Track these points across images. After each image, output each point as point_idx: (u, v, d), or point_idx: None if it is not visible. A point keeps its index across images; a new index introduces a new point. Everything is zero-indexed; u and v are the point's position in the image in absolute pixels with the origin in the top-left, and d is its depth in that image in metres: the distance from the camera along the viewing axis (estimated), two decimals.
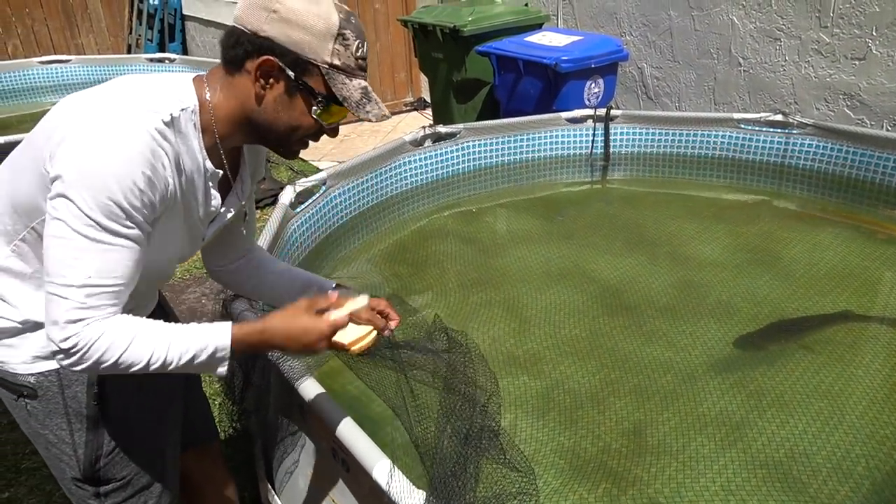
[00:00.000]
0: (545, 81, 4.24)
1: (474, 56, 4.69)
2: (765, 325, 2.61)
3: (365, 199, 3.51)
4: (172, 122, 1.13)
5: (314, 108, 1.21)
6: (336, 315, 1.24)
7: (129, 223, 1.08)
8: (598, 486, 1.96)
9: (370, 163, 3.47)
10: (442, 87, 5.10)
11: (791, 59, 4.16)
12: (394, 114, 6.88)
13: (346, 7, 1.22)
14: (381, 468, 1.33)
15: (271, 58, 1.16)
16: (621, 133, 4.07)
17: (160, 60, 6.59)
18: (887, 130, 3.81)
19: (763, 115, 3.85)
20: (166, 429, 1.49)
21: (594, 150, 4.09)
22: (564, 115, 4.03)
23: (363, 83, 1.23)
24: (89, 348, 1.08)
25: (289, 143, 1.27)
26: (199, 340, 1.16)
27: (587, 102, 4.33)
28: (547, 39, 4.44)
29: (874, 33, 3.77)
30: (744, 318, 2.66)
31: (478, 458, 1.27)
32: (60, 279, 1.06)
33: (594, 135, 4.06)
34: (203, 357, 1.16)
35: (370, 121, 1.23)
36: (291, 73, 1.17)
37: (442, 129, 3.78)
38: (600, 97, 4.42)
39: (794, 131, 3.79)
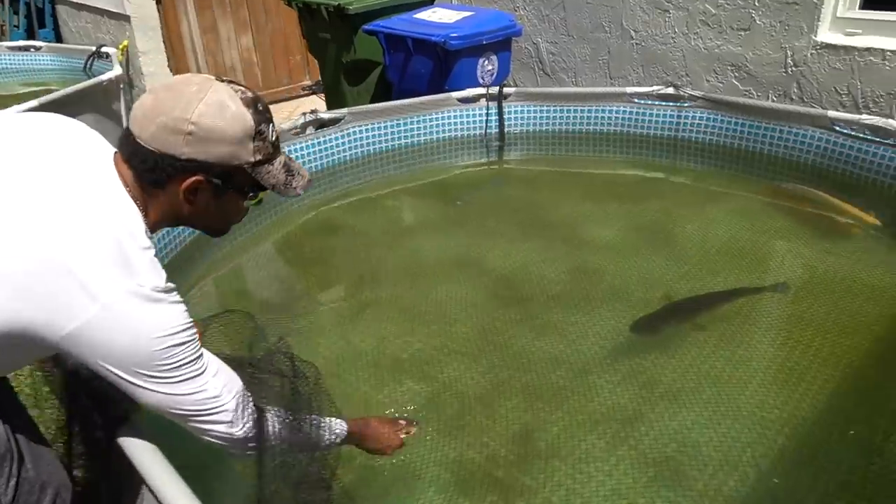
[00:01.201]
0: (435, 60, 4.05)
1: (363, 35, 4.44)
2: (659, 308, 2.54)
3: None
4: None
5: (245, 201, 1.25)
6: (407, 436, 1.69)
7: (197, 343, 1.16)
8: (484, 499, 1.83)
9: None
10: (332, 69, 4.83)
11: (680, 30, 4.13)
12: (290, 98, 6.55)
13: (242, 86, 1.20)
14: None
15: (199, 178, 1.16)
16: (515, 111, 3.95)
17: (24, 49, 5.99)
18: (772, 101, 3.83)
19: (655, 88, 3.81)
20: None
21: (488, 131, 3.95)
22: (455, 94, 3.86)
23: (282, 159, 1.26)
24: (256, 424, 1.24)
25: (224, 230, 1.34)
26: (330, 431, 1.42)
27: (481, 80, 4.17)
28: (437, 16, 4.24)
29: (757, 3, 3.76)
30: (636, 304, 2.58)
31: None
32: (206, 409, 1.16)
33: (488, 114, 3.92)
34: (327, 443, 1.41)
35: (298, 195, 1.29)
36: (219, 181, 1.18)
37: (324, 114, 3.55)
38: (495, 75, 4.27)
39: (686, 104, 3.76)
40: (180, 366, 1.11)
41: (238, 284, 2.97)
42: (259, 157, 1.19)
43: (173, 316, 1.11)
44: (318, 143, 3.55)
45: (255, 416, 1.23)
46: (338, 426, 1.44)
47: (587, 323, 2.50)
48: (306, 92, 6.70)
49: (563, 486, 1.85)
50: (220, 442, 1.22)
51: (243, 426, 1.21)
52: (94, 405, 1.54)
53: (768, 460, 1.89)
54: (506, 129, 3.94)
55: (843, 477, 1.84)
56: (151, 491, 1.24)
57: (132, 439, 1.33)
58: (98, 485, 1.91)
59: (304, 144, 3.49)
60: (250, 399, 1.25)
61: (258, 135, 1.18)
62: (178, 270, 2.85)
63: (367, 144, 3.74)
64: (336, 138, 3.61)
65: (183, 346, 1.11)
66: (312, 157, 3.56)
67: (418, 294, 2.77)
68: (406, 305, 2.70)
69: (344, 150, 3.67)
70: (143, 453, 1.29)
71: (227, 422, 1.19)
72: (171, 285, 1.13)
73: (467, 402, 2.18)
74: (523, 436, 2.03)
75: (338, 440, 1.44)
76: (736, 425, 2.01)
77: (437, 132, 3.90)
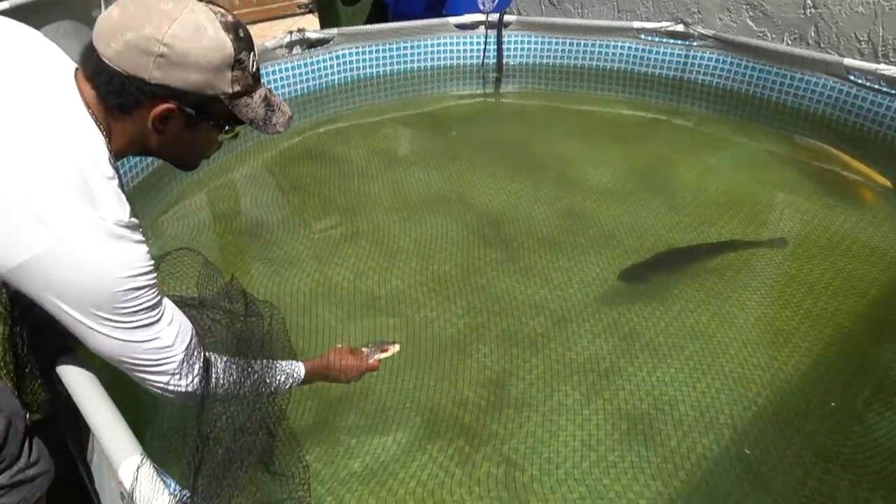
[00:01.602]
0: None
1: None
2: (651, 256, 2.45)
3: None
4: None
5: (220, 134, 1.15)
6: (376, 357, 1.58)
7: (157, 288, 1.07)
8: (452, 444, 1.79)
9: None
10: None
11: None
12: (286, 16, 6.26)
13: (222, 8, 1.07)
14: (128, 466, 1.06)
15: (171, 105, 1.05)
16: (515, 42, 3.76)
17: None
18: (787, 45, 3.64)
19: (664, 24, 3.61)
20: None
21: (486, 60, 3.76)
22: (453, 20, 3.66)
23: (263, 91, 1.15)
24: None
25: (195, 164, 1.23)
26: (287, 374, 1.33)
27: (482, 7, 3.94)
28: None
29: None
30: (625, 251, 2.49)
31: (246, 457, 1.03)
32: (156, 359, 1.08)
33: (486, 43, 3.72)
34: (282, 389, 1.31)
35: (279, 133, 1.19)
36: (192, 111, 1.08)
37: (312, 34, 3.35)
38: (497, 1, 4.04)
39: (695, 43, 3.57)
40: (138, 311, 1.03)
41: (213, 210, 2.85)
42: (237, 89, 1.09)
43: (136, 256, 1.02)
44: (305, 65, 3.37)
45: (204, 368, 1.15)
46: (294, 369, 1.36)
47: (572, 269, 2.42)
48: (302, 10, 6.41)
49: (532, 435, 1.81)
50: (162, 392, 1.14)
51: (190, 379, 1.13)
52: (36, 331, 1.46)
53: (745, 422, 1.84)
54: (504, 60, 3.76)
55: (820, 443, 1.79)
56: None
57: (70, 367, 1.26)
58: (54, 412, 1.86)
59: (289, 65, 3.31)
60: (201, 349, 1.17)
61: (237, 64, 1.06)
62: (148, 195, 2.74)
63: (357, 69, 3.56)
64: (324, 60, 3.42)
65: (143, 291, 1.03)
66: (298, 78, 3.39)
67: (400, 229, 2.68)
68: (386, 240, 2.61)
69: (332, 74, 3.50)
70: (78, 381, 1.22)
71: (174, 373, 1.11)
72: (136, 221, 1.04)
73: (442, 344, 2.11)
74: (497, 382, 1.97)
75: (295, 384, 1.37)
76: (716, 384, 1.95)
77: (432, 59, 3.71)
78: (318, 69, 3.43)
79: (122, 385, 1.27)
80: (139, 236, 1.04)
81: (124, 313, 1.02)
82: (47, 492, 1.31)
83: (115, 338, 1.04)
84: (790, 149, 3.20)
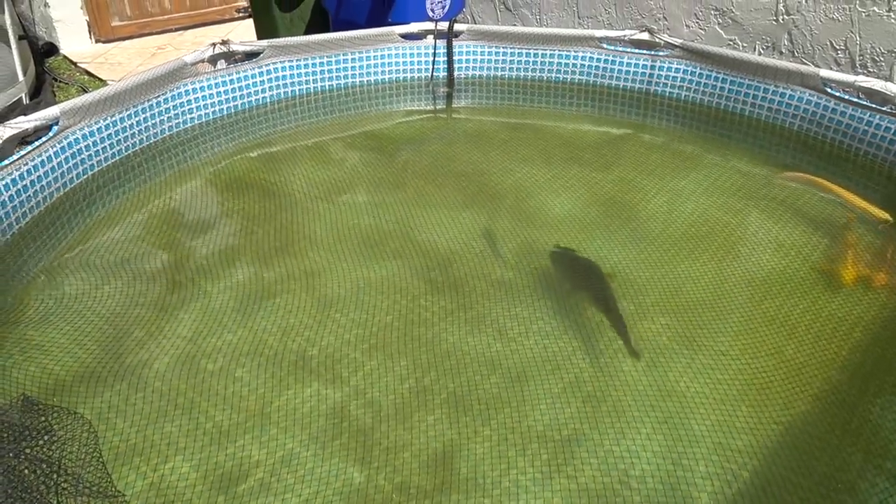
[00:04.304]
0: None
1: None
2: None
3: (128, 143, 2.88)
4: None
5: None
6: None
7: None
8: None
9: (134, 92, 2.82)
10: None
11: None
12: (222, 22, 6.03)
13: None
14: None
15: None
16: (467, 52, 3.62)
17: None
18: (758, 54, 3.58)
19: (627, 32, 3.51)
20: None
21: (435, 74, 3.62)
22: (398, 29, 3.51)
23: None
24: None
25: None
26: None
27: (431, 14, 3.81)
28: None
29: None
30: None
31: None
32: None
33: (435, 54, 3.58)
34: None
35: None
36: None
37: (239, 46, 3.17)
38: (447, 8, 3.90)
39: (661, 53, 3.48)
40: None
41: (121, 253, 2.63)
42: None
43: None
44: (230, 81, 3.18)
45: None
46: None
47: (530, 318, 2.28)
48: (241, 15, 6.18)
49: None
50: None
51: None
52: None
53: (727, 500, 1.72)
54: (455, 73, 3.62)
55: None
56: None
57: None
58: None
59: (211, 82, 3.12)
60: None
61: None
62: (40, 237, 2.52)
63: (290, 84, 3.38)
64: (252, 76, 3.24)
65: None
66: (222, 96, 3.19)
67: (338, 273, 2.51)
68: (320, 287, 2.44)
69: (261, 91, 3.31)
70: None
71: None
72: None
73: (382, 413, 1.95)
74: (444, 458, 1.82)
75: None
76: (692, 451, 1.83)
77: (375, 73, 3.55)
78: (246, 86, 3.24)
79: None
80: None
81: None
82: None
83: None
84: (765, 169, 3.13)
